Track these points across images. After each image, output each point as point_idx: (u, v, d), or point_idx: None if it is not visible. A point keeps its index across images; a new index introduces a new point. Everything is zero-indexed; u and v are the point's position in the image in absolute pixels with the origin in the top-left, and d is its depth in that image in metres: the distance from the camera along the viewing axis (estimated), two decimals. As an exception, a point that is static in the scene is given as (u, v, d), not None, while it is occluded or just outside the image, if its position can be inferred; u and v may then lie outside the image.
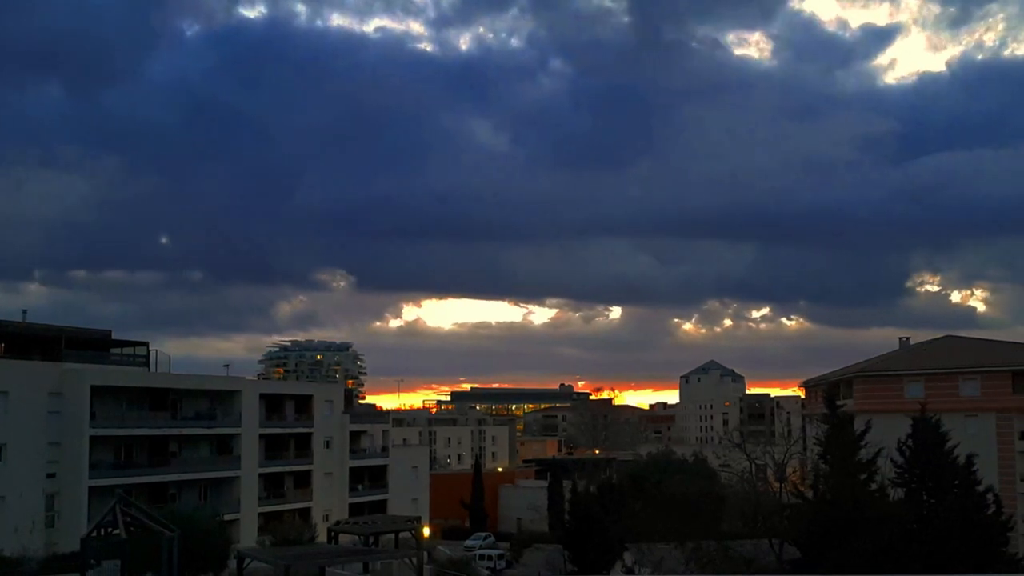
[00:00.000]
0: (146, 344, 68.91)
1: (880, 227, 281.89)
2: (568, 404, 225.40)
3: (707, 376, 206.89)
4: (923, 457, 38.90)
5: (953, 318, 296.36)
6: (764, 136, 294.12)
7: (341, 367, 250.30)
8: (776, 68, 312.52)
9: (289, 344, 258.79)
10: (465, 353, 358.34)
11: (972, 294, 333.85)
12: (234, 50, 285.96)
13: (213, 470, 64.46)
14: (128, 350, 68.32)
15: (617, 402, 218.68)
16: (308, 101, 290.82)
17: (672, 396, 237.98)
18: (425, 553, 53.23)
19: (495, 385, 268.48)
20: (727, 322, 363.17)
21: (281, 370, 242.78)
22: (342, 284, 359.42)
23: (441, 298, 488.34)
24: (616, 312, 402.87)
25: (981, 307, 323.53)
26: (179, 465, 61.95)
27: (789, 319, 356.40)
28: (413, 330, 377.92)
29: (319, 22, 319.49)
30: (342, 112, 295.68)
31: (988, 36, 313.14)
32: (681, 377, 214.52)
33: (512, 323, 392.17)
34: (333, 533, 56.71)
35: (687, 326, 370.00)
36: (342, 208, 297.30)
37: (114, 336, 67.65)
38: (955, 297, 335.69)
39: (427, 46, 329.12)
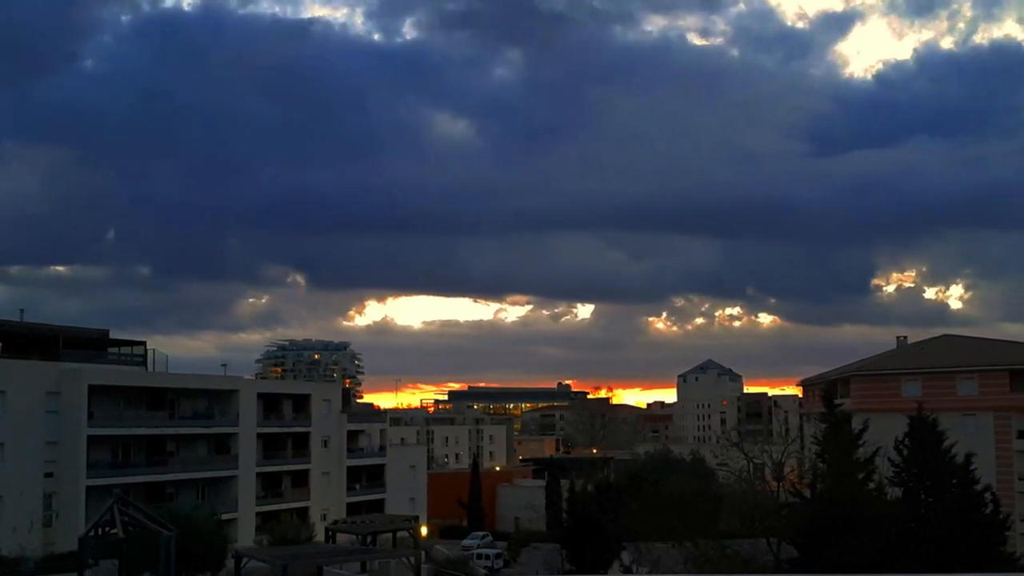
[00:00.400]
0: (144, 343, 69.15)
1: (847, 221, 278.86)
2: (566, 403, 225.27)
3: (705, 375, 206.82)
4: (921, 456, 38.96)
5: (930, 315, 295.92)
6: (718, 128, 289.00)
7: (339, 366, 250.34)
8: (733, 58, 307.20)
9: (286, 343, 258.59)
10: (444, 352, 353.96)
11: (947, 291, 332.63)
12: (172, 39, 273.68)
13: (211, 469, 64.43)
14: (126, 350, 68.47)
15: (614, 401, 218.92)
16: (252, 91, 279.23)
17: (661, 394, 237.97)
18: (423, 552, 53.28)
19: (482, 384, 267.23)
20: (698, 319, 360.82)
21: (279, 369, 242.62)
22: (298, 281, 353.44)
23: (401, 295, 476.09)
24: (582, 309, 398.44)
25: (957, 304, 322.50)
26: (177, 464, 61.91)
27: (756, 316, 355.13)
28: (384, 328, 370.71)
29: (251, 8, 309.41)
30: (288, 102, 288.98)
31: (955, 23, 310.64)
32: (679, 376, 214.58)
33: (481, 321, 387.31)
34: (331, 532, 56.78)
35: (659, 324, 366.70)
36: (292, 203, 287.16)
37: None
38: (930, 294, 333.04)
39: (369, 34, 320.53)
